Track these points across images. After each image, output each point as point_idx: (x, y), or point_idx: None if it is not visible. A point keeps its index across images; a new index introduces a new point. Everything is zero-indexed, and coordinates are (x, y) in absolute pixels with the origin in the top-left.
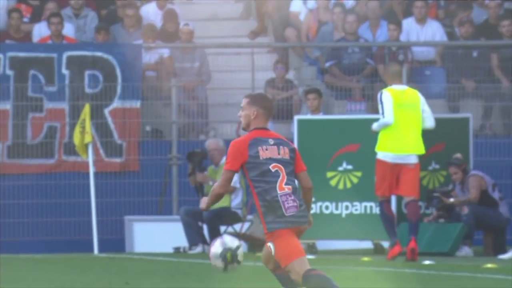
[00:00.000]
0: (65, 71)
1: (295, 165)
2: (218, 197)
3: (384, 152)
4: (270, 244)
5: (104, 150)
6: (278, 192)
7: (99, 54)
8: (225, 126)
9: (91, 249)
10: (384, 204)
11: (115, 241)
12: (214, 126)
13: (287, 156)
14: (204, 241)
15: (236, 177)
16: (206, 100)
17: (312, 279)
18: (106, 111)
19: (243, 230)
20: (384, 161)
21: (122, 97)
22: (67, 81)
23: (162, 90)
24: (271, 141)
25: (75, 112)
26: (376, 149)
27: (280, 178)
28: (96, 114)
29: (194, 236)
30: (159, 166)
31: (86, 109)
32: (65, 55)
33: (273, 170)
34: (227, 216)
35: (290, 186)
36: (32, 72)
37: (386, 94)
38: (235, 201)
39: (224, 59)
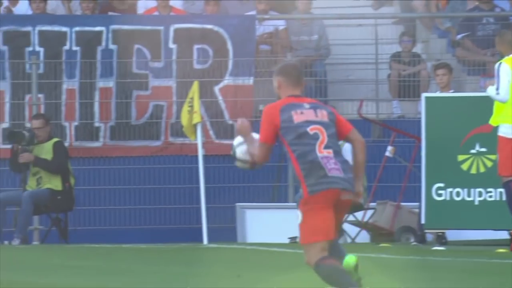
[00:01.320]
0: (172, 45)
1: (339, 127)
2: (253, 164)
3: (505, 126)
4: (298, 213)
5: (214, 131)
6: (318, 154)
7: (209, 26)
8: (346, 105)
9: (200, 239)
10: (510, 183)
11: (226, 230)
12: (333, 105)
13: (326, 119)
14: None
15: None
16: (325, 76)
17: (324, 269)
18: (217, 89)
19: (366, 219)
20: (506, 137)
21: (233, 73)
22: (174, 56)
23: (277, 66)
24: (307, 105)
25: (183, 90)
26: (492, 122)
27: (320, 140)
28: (206, 92)
29: None
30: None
31: (195, 86)
32: (172, 28)
33: (311, 133)
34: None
35: (330, 150)
36: (136, 46)
37: (504, 66)
38: None
39: (345, 31)
